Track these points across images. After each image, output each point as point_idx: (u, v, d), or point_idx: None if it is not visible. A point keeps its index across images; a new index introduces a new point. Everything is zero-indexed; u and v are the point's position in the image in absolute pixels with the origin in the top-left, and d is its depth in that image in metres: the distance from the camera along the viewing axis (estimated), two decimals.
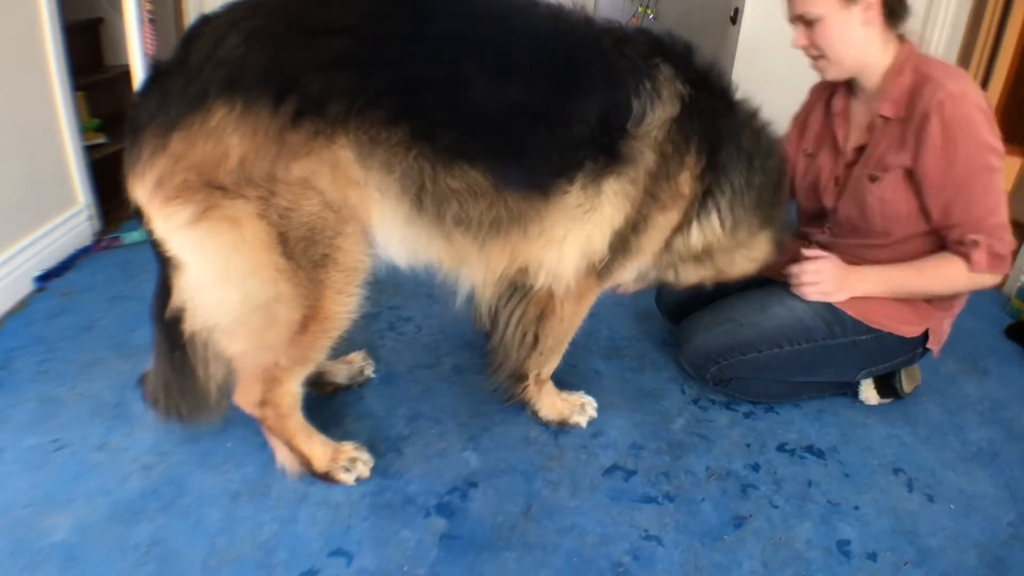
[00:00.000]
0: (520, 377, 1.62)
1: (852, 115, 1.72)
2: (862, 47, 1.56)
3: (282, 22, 1.17)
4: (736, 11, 3.58)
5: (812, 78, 3.81)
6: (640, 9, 5.68)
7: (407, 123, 1.20)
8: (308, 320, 1.28)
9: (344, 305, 1.30)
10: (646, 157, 1.34)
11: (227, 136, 1.13)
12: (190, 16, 3.35)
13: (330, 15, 1.19)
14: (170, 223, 1.18)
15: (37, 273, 2.19)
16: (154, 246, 1.27)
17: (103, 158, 2.67)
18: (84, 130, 2.61)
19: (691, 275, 1.69)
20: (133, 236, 2.50)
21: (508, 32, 1.28)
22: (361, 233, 1.26)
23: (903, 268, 1.66)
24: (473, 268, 1.43)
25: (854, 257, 1.74)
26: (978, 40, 3.66)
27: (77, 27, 3.01)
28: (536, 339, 1.54)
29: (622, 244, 1.42)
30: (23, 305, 2.08)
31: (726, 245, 1.58)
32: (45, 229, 2.27)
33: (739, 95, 1.54)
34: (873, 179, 1.61)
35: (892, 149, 1.57)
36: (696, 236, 1.52)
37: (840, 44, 1.55)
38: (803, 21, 1.57)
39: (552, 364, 1.65)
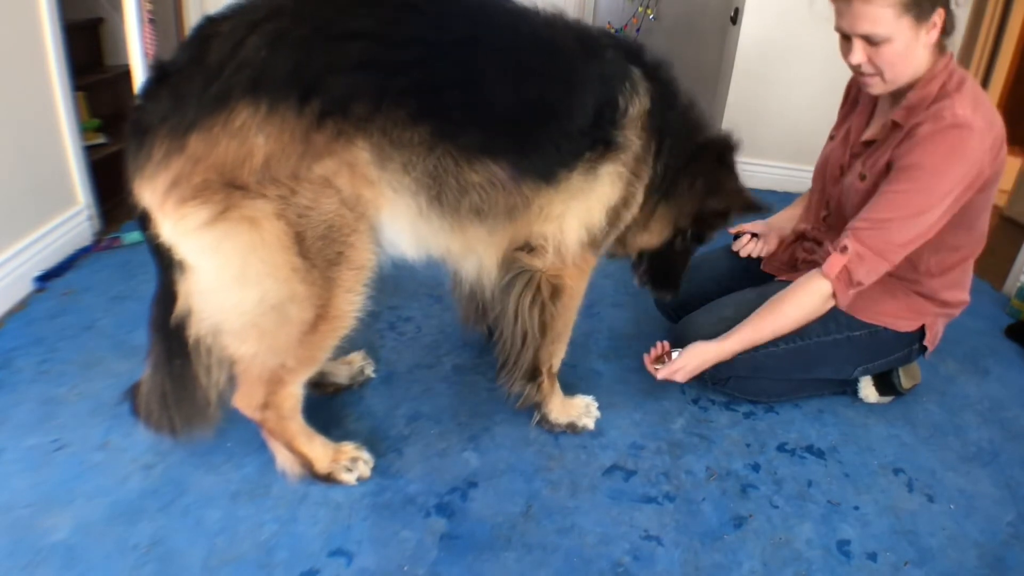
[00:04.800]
0: (534, 373, 1.63)
1: (878, 109, 1.70)
2: (918, 64, 1.51)
3: (307, 26, 1.19)
4: (736, 11, 3.58)
5: (811, 78, 3.80)
6: (640, 9, 5.68)
7: (429, 122, 1.25)
8: (319, 320, 1.29)
9: (353, 304, 1.32)
10: (634, 143, 1.48)
11: (252, 136, 1.14)
12: (190, 16, 3.35)
13: (352, 20, 1.23)
14: (185, 224, 1.18)
15: (37, 273, 2.18)
16: (156, 252, 1.26)
17: (103, 158, 2.67)
18: (84, 130, 2.61)
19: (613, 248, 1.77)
20: (133, 236, 2.50)
21: (517, 36, 1.37)
22: (371, 230, 1.30)
23: (756, 319, 1.65)
24: (482, 253, 1.50)
25: None
26: (978, 40, 3.67)
27: (77, 27, 3.01)
28: (546, 323, 1.58)
29: (615, 217, 1.54)
30: (23, 305, 2.08)
31: (637, 222, 1.66)
32: (45, 229, 2.27)
33: (677, 81, 1.58)
34: (862, 178, 1.62)
35: (886, 153, 1.56)
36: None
37: (901, 64, 1.49)
38: (867, 41, 1.48)
39: (561, 353, 1.68)
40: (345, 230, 1.25)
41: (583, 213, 1.48)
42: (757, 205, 1.67)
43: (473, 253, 1.50)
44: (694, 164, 1.60)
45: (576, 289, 1.60)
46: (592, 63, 1.41)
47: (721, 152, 1.65)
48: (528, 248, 1.51)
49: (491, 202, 1.37)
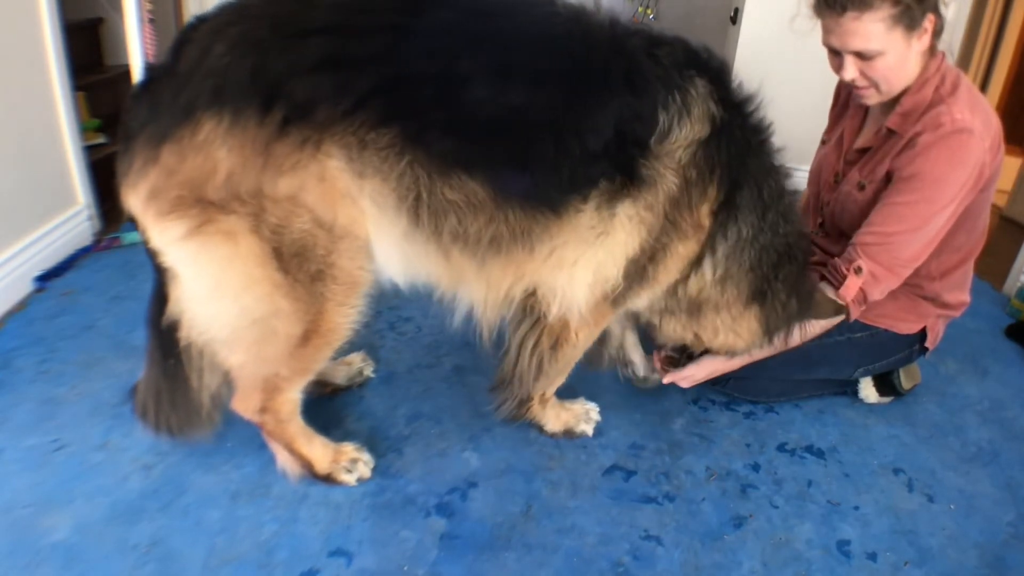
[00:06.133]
0: (525, 400, 1.61)
1: (870, 114, 1.68)
2: (912, 71, 1.48)
3: (266, 25, 1.12)
4: (736, 11, 3.58)
5: (812, 78, 3.79)
6: (640, 9, 5.68)
7: (397, 125, 1.12)
8: (310, 333, 1.25)
9: (346, 317, 1.27)
10: (667, 180, 1.22)
11: (215, 150, 1.09)
12: (190, 16, 3.35)
13: (315, 13, 1.13)
14: (165, 236, 1.16)
15: (37, 273, 2.19)
16: (150, 254, 1.26)
17: (103, 158, 2.67)
18: (84, 130, 2.61)
19: (673, 327, 1.56)
20: (133, 236, 2.50)
21: (514, 28, 1.18)
22: (358, 249, 1.21)
23: None
24: (472, 287, 1.35)
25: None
26: (978, 40, 3.67)
27: (77, 27, 3.02)
28: (545, 368, 1.51)
29: (639, 273, 1.32)
30: (23, 305, 2.08)
31: (714, 300, 1.45)
32: (45, 229, 2.27)
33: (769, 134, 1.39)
34: (861, 188, 1.60)
35: (884, 162, 1.55)
36: (691, 280, 1.42)
37: (895, 75, 1.46)
38: (859, 56, 1.44)
39: (557, 384, 1.65)
40: (319, 251, 1.17)
41: (595, 264, 1.27)
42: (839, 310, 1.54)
43: (463, 284, 1.34)
44: (789, 266, 1.43)
45: (584, 340, 1.48)
46: (619, 63, 1.17)
47: (806, 254, 1.49)
48: (535, 295, 1.38)
49: (472, 226, 1.19)
